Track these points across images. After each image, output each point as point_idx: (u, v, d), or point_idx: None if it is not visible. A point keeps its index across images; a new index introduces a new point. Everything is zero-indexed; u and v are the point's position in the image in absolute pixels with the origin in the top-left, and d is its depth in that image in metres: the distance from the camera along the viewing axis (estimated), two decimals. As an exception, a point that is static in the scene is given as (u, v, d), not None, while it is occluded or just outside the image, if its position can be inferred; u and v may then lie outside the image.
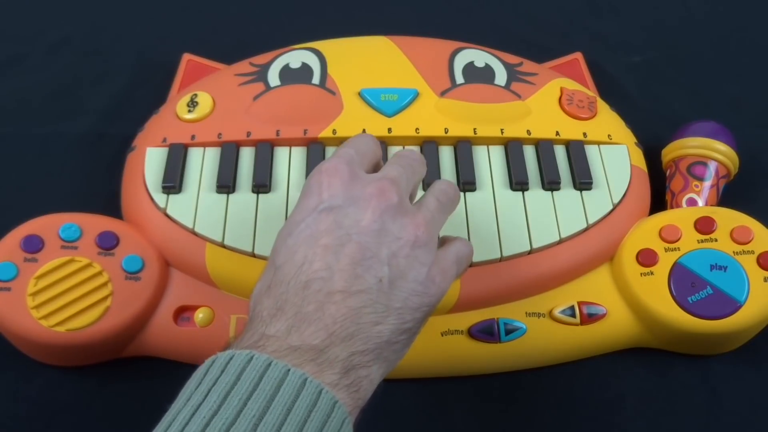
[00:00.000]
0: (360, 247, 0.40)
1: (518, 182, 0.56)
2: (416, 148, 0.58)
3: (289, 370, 0.36)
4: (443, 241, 0.46)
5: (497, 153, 0.58)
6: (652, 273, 0.53)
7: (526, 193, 0.56)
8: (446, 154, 0.58)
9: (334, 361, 0.37)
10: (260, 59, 0.64)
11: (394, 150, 0.58)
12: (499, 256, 0.53)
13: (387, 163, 0.46)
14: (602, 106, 0.62)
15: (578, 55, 0.69)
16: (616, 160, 0.58)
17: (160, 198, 0.55)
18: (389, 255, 0.40)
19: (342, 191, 0.41)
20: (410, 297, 0.40)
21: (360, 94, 0.60)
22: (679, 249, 0.54)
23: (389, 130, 0.58)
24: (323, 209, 0.41)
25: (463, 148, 0.58)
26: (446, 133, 0.58)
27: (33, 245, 0.52)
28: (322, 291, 0.39)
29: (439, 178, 0.56)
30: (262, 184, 0.55)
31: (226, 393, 0.35)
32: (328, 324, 0.38)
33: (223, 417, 0.34)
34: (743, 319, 0.51)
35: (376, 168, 0.46)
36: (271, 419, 0.35)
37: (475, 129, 0.58)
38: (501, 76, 0.63)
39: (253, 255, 0.52)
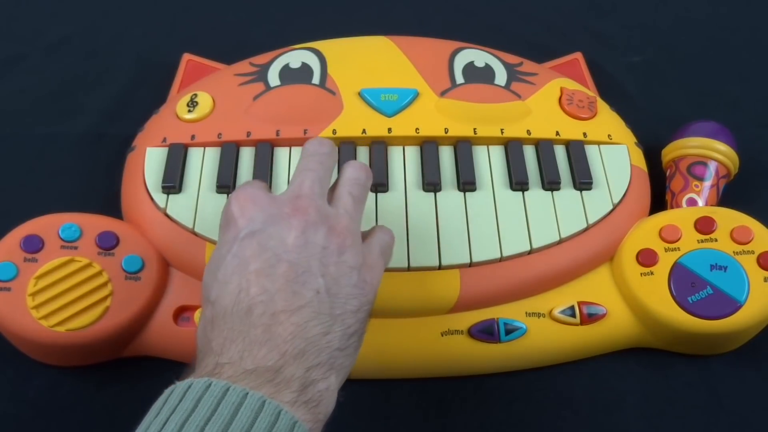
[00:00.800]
0: (291, 265, 0.40)
1: (518, 182, 0.56)
2: (416, 148, 0.58)
3: (247, 393, 0.36)
4: (364, 235, 0.46)
5: (497, 153, 0.58)
6: (652, 273, 0.53)
7: (526, 193, 0.56)
8: (446, 154, 0.58)
9: (291, 380, 0.37)
10: (260, 59, 0.64)
11: (393, 150, 0.58)
12: (499, 256, 0.53)
13: (297, 169, 0.45)
14: (602, 106, 0.62)
15: (578, 55, 0.69)
16: (616, 160, 0.58)
17: (160, 198, 0.55)
18: (320, 266, 0.40)
19: (259, 214, 0.42)
20: (348, 300, 0.41)
21: (360, 94, 0.60)
22: (679, 249, 0.54)
23: (389, 130, 0.58)
24: (245, 236, 0.41)
25: (463, 148, 0.58)
26: (446, 133, 0.58)
27: (33, 245, 0.52)
28: (266, 314, 0.39)
29: (439, 179, 0.56)
30: (262, 184, 0.55)
31: (183, 420, 0.35)
32: (279, 344, 0.38)
33: None
34: (743, 319, 0.51)
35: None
36: None
37: (475, 129, 0.58)
38: (501, 76, 0.63)
39: (253, 255, 0.52)
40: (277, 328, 0.38)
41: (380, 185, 0.55)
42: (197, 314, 0.52)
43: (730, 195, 0.60)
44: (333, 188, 0.46)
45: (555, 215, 0.55)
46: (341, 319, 0.40)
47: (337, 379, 0.40)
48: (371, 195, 0.55)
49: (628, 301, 0.54)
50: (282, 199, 0.43)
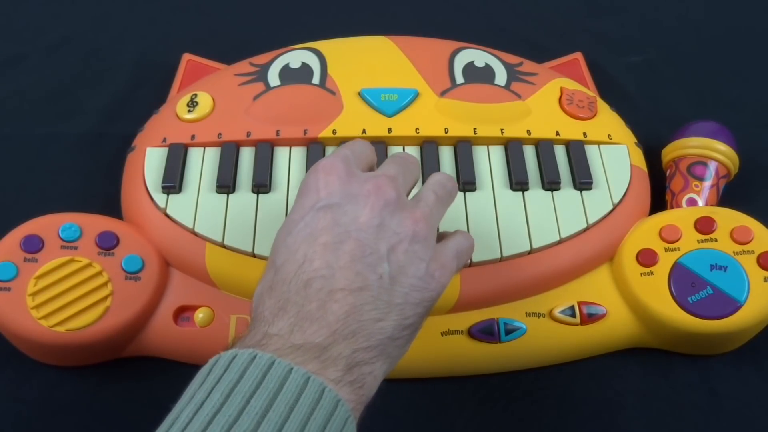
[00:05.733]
0: (359, 244, 0.40)
1: (518, 182, 0.56)
2: (416, 148, 0.58)
3: (292, 368, 0.36)
4: (443, 235, 0.46)
5: (497, 153, 0.58)
6: (652, 273, 0.53)
7: (526, 193, 0.56)
8: (446, 154, 0.58)
9: (337, 359, 0.37)
10: (260, 59, 0.64)
11: (394, 150, 0.58)
12: (499, 256, 0.53)
13: (383, 163, 0.46)
14: (602, 106, 0.62)
15: (578, 55, 0.69)
16: (616, 160, 0.58)
17: (160, 198, 0.55)
18: (388, 250, 0.40)
19: (339, 189, 0.42)
20: (411, 292, 0.40)
21: (360, 94, 0.60)
22: (679, 249, 0.54)
23: (389, 130, 0.58)
24: (321, 207, 0.41)
25: (463, 148, 0.58)
26: (446, 133, 0.58)
27: (33, 245, 0.52)
28: (324, 289, 0.39)
29: (439, 177, 0.56)
30: (262, 184, 0.55)
31: (229, 391, 0.35)
32: (331, 322, 0.38)
33: (225, 414, 0.35)
34: (743, 319, 0.51)
35: (371, 169, 0.46)
36: (274, 417, 0.35)
37: (475, 129, 0.58)
38: (501, 76, 0.63)
39: (253, 255, 0.52)
40: (333, 305, 0.38)
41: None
42: (197, 314, 0.52)
43: (730, 195, 0.60)
44: (420, 190, 0.45)
45: (555, 215, 0.55)
46: (399, 309, 0.40)
47: (383, 367, 0.39)
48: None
49: (628, 301, 0.54)
50: (365, 176, 0.43)
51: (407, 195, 0.45)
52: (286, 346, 0.37)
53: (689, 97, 0.71)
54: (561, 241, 0.54)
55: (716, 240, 0.54)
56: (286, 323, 0.38)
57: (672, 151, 0.61)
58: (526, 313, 0.53)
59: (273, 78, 0.62)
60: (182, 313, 0.53)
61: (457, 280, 0.52)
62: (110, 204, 0.57)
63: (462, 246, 0.45)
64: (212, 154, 0.57)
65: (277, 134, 0.58)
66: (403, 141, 0.58)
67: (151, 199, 0.55)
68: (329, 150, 0.57)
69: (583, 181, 0.56)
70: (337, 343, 0.38)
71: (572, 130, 0.60)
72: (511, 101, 0.61)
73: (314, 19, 0.77)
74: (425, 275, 0.41)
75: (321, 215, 0.41)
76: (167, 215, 0.54)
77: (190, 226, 0.53)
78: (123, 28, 0.76)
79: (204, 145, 0.58)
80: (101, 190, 0.60)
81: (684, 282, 0.52)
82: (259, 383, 0.35)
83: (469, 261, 0.52)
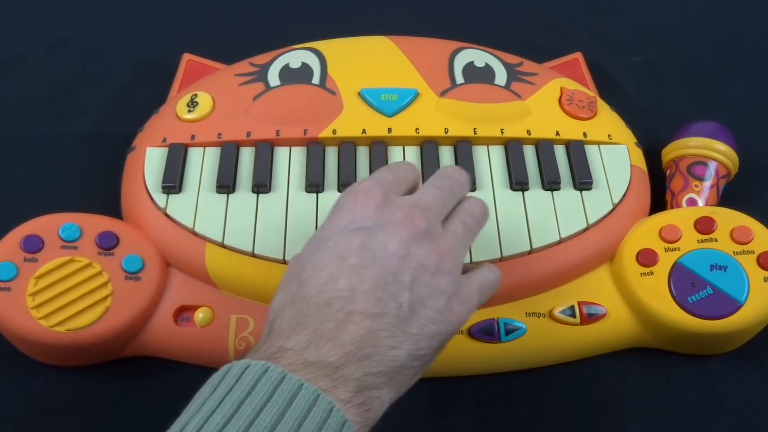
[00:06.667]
0: (384, 271, 0.40)
1: (518, 182, 0.56)
2: (416, 149, 0.58)
3: (302, 384, 0.36)
4: (470, 267, 0.45)
5: (497, 153, 0.58)
6: (652, 273, 0.53)
7: (526, 193, 0.56)
8: (446, 154, 0.58)
9: (347, 380, 0.37)
10: (260, 59, 0.64)
11: (393, 150, 0.58)
12: (499, 256, 0.53)
13: (427, 182, 0.45)
14: (602, 106, 0.62)
15: (578, 55, 0.69)
16: (616, 160, 0.58)
17: (160, 198, 0.55)
18: (411, 281, 0.40)
19: (374, 213, 0.42)
20: (427, 324, 0.40)
21: (360, 94, 0.60)
22: (679, 249, 0.54)
23: (389, 130, 0.58)
24: (354, 229, 0.41)
25: (463, 148, 0.58)
26: (446, 133, 0.58)
27: (33, 245, 0.52)
28: (343, 310, 0.39)
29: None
30: (262, 184, 0.55)
31: (240, 402, 0.36)
32: (346, 342, 0.38)
33: (235, 426, 0.35)
34: (743, 319, 0.51)
35: (412, 191, 0.46)
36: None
37: (475, 129, 0.58)
38: (501, 76, 0.63)
39: (253, 255, 0.52)
40: (350, 326, 0.38)
41: (380, 185, 0.55)
42: (197, 314, 0.52)
43: (730, 195, 0.60)
44: (448, 217, 0.45)
45: (555, 215, 0.55)
46: (414, 339, 0.40)
47: (390, 393, 0.39)
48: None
49: (628, 301, 0.54)
50: (399, 205, 0.43)
51: (446, 216, 0.44)
52: (299, 361, 0.37)
53: (689, 97, 0.71)
54: (561, 241, 0.54)
55: (716, 240, 0.54)
56: (302, 339, 0.38)
57: (672, 151, 0.61)
58: (526, 313, 0.53)
59: (273, 78, 0.62)
60: (182, 313, 0.53)
61: (457, 280, 0.52)
62: (110, 204, 0.57)
63: (487, 280, 0.45)
64: (212, 154, 0.57)
65: (277, 134, 0.58)
66: (403, 141, 0.58)
67: (151, 199, 0.55)
68: (329, 150, 0.57)
69: (583, 181, 0.56)
70: (350, 364, 0.38)
71: (572, 130, 0.60)
72: (511, 101, 0.61)
73: (314, 19, 0.77)
74: (444, 309, 0.41)
75: (353, 237, 0.41)
76: (167, 215, 0.54)
77: (190, 226, 0.53)
78: (123, 28, 0.76)
79: (204, 145, 0.58)
80: (101, 190, 0.60)
81: (684, 282, 0.52)
82: (269, 397, 0.36)
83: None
